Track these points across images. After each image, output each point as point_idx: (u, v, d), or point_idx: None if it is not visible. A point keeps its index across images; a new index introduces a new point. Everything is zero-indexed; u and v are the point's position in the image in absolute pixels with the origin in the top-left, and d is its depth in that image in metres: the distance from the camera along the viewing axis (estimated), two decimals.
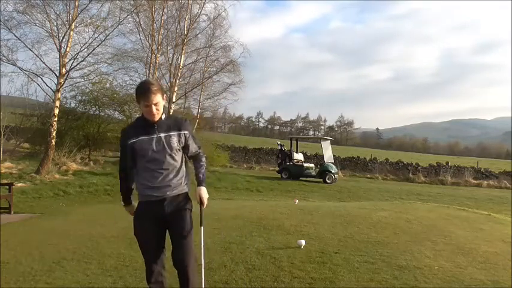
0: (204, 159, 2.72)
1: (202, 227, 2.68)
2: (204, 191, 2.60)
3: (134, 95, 2.57)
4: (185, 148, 2.59)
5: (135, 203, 2.63)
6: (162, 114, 2.52)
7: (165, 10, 16.28)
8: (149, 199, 2.49)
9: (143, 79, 17.59)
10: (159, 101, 2.45)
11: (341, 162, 25.27)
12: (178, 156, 2.54)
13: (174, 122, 2.58)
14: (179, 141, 2.54)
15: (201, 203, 2.61)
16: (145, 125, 2.50)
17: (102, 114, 21.52)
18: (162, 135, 2.49)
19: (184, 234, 2.50)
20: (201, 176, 2.64)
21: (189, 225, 2.53)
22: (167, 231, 2.56)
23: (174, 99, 16.37)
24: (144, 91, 2.42)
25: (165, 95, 2.56)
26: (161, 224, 2.52)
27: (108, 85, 20.28)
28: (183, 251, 2.49)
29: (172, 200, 2.50)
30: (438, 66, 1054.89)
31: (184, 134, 2.56)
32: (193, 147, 2.64)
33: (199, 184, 2.62)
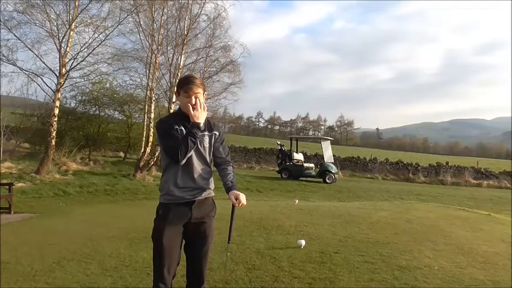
0: (231, 168, 2.50)
1: (229, 244, 2.48)
2: (240, 194, 2.34)
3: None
4: (213, 150, 2.46)
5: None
6: None
7: (165, 10, 16.26)
8: (179, 201, 2.33)
9: (143, 79, 17.70)
10: (200, 93, 2.36)
11: (341, 162, 25.27)
12: (209, 157, 2.44)
13: (207, 122, 2.46)
14: (210, 142, 2.44)
15: (237, 205, 2.34)
16: (183, 119, 2.36)
17: (102, 114, 21.57)
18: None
19: (205, 244, 2.42)
20: (231, 183, 2.42)
21: (211, 233, 2.46)
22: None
23: (174, 99, 16.35)
24: (186, 82, 2.34)
25: (205, 93, 2.44)
26: (183, 228, 2.38)
27: (108, 85, 20.33)
28: (203, 260, 2.42)
29: (200, 203, 2.39)
30: (439, 67, 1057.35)
31: (215, 134, 2.46)
32: (219, 151, 2.49)
33: (232, 188, 2.38)
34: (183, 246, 2.44)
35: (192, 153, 2.33)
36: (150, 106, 16.38)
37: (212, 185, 2.48)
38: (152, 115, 16.31)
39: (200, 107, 2.34)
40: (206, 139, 2.42)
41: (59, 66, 13.71)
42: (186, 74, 16.98)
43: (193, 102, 2.32)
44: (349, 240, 4.93)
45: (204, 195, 2.42)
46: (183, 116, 2.38)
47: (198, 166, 2.38)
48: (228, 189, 2.40)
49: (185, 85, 2.34)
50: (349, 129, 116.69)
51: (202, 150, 2.40)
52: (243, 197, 2.34)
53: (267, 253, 4.32)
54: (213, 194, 2.49)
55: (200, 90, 2.36)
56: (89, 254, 4.38)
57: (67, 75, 14.12)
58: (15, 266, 3.97)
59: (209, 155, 2.44)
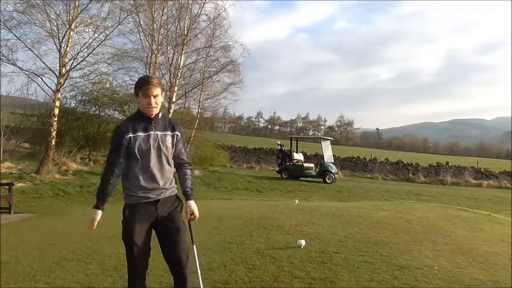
0: (189, 171, 2.61)
1: (194, 246, 2.61)
2: (195, 206, 2.55)
3: (134, 91, 2.49)
4: (174, 151, 2.52)
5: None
6: (159, 112, 2.48)
7: (165, 10, 16.29)
8: (143, 201, 2.42)
9: None
10: (158, 94, 2.41)
11: (341, 162, 25.27)
12: (171, 157, 2.51)
13: (169, 123, 2.53)
14: (172, 142, 2.49)
15: (191, 218, 2.56)
16: (143, 120, 2.44)
17: (102, 114, 21.51)
18: (159, 133, 2.44)
19: (179, 236, 2.48)
20: (189, 190, 2.56)
21: (181, 225, 2.51)
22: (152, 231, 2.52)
23: (174, 99, 16.37)
24: (144, 83, 2.41)
25: (164, 93, 2.52)
26: (151, 226, 2.47)
27: (108, 85, 20.27)
28: (179, 253, 2.48)
29: (164, 201, 2.46)
30: (439, 67, 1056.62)
31: (177, 135, 2.51)
32: (181, 152, 2.56)
33: (189, 198, 2.54)
34: (161, 251, 2.52)
35: (153, 153, 2.41)
36: None
37: (174, 183, 2.54)
38: None
39: (156, 108, 2.43)
40: (169, 139, 2.48)
41: (59, 66, 13.71)
42: (185, 74, 17.01)
43: (151, 103, 2.39)
44: (349, 240, 4.93)
45: (169, 193, 2.48)
46: (140, 117, 2.45)
47: (160, 166, 2.44)
48: (187, 198, 2.55)
49: (142, 86, 2.40)
50: (349, 129, 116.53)
51: (164, 149, 2.45)
52: (196, 211, 2.54)
53: (267, 253, 4.31)
54: (176, 191, 2.55)
55: (157, 91, 2.41)
56: (89, 254, 4.38)
57: (67, 75, 14.12)
58: (15, 266, 3.97)
59: (171, 155, 2.50)
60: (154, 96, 2.39)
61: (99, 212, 2.48)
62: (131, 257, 2.43)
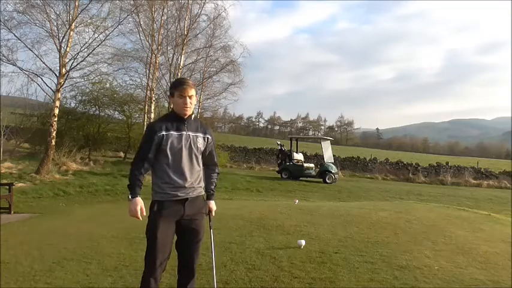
0: (216, 175, 2.76)
1: (213, 245, 2.82)
2: (214, 205, 2.77)
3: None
4: (204, 152, 2.61)
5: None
6: (192, 114, 2.56)
7: (165, 10, 16.32)
8: (172, 198, 2.46)
9: (143, 79, 17.71)
10: (193, 95, 2.50)
11: (341, 162, 25.27)
12: (201, 158, 2.59)
13: (201, 125, 2.63)
14: (203, 143, 2.58)
15: (210, 213, 2.77)
16: (176, 120, 2.51)
17: (102, 114, 21.55)
18: (191, 133, 2.52)
19: (198, 236, 2.57)
20: (212, 191, 2.75)
21: (202, 227, 2.60)
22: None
23: None
24: (180, 83, 2.51)
25: (197, 95, 2.62)
26: (175, 225, 2.51)
27: (108, 85, 20.32)
28: (194, 252, 2.57)
29: (192, 201, 2.51)
30: (440, 67, 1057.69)
31: (207, 137, 2.61)
32: (211, 155, 2.68)
33: (211, 199, 2.74)
34: (174, 243, 2.56)
35: (185, 152, 2.48)
36: (150, 106, 16.41)
37: (202, 184, 2.62)
38: (152, 115, 16.34)
39: (190, 108, 2.52)
40: (200, 140, 2.55)
41: (59, 66, 13.73)
42: (185, 74, 17.03)
43: (187, 103, 2.47)
44: (349, 240, 4.92)
45: (196, 193, 2.54)
46: (173, 117, 2.52)
47: (190, 165, 2.50)
48: (208, 198, 2.75)
49: (179, 85, 2.49)
50: (349, 129, 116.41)
51: (195, 150, 2.52)
52: (214, 208, 2.78)
53: (267, 253, 4.31)
54: (203, 192, 2.63)
55: (192, 91, 2.51)
56: (89, 254, 4.38)
57: (67, 75, 14.13)
58: (15, 266, 3.97)
59: (201, 155, 2.58)
60: (190, 97, 2.48)
61: (139, 198, 2.48)
62: (152, 253, 2.44)
